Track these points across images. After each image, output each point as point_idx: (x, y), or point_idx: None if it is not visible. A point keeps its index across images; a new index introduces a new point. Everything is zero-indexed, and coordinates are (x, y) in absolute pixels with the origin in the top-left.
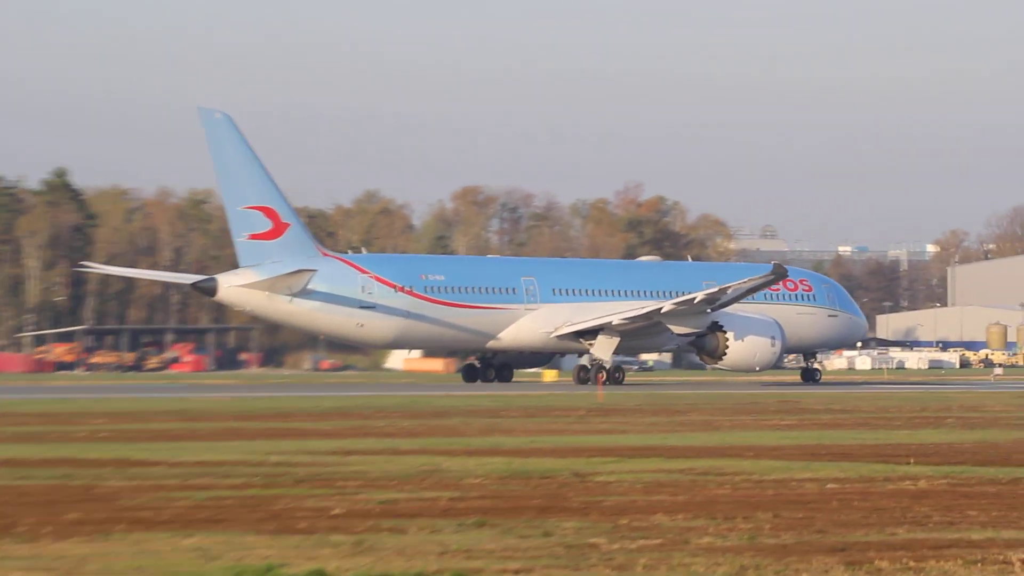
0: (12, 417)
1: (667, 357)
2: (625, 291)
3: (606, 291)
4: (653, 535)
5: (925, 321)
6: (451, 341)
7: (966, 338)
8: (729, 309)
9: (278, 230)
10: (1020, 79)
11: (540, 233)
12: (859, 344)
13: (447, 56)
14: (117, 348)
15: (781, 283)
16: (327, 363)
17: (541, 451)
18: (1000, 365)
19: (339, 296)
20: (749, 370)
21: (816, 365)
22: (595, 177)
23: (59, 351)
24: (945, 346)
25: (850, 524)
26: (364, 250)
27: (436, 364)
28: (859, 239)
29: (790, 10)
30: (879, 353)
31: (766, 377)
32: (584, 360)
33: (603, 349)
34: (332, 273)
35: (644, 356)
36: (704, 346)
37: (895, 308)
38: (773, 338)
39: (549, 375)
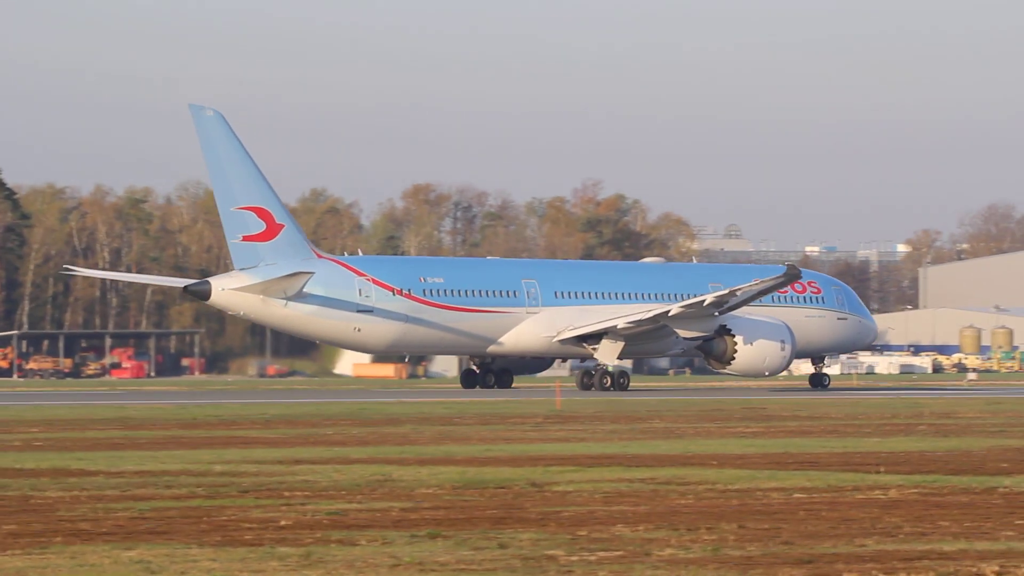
0: None
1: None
2: (629, 294)
3: (609, 294)
4: (613, 547)
5: (896, 324)
6: (451, 346)
7: (938, 342)
8: (737, 312)
9: (272, 231)
10: (992, 76)
11: (495, 233)
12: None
13: (395, 48)
14: (54, 353)
15: (788, 285)
16: (273, 369)
17: (497, 460)
18: (974, 370)
19: (336, 300)
20: (758, 375)
21: (825, 370)
22: (552, 175)
23: None
24: (917, 350)
25: (818, 535)
26: (360, 252)
27: (387, 370)
28: (827, 239)
29: (755, 7)
30: (848, 357)
31: (776, 382)
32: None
33: (607, 353)
34: (328, 276)
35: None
36: (712, 350)
37: None
38: (783, 342)
39: None
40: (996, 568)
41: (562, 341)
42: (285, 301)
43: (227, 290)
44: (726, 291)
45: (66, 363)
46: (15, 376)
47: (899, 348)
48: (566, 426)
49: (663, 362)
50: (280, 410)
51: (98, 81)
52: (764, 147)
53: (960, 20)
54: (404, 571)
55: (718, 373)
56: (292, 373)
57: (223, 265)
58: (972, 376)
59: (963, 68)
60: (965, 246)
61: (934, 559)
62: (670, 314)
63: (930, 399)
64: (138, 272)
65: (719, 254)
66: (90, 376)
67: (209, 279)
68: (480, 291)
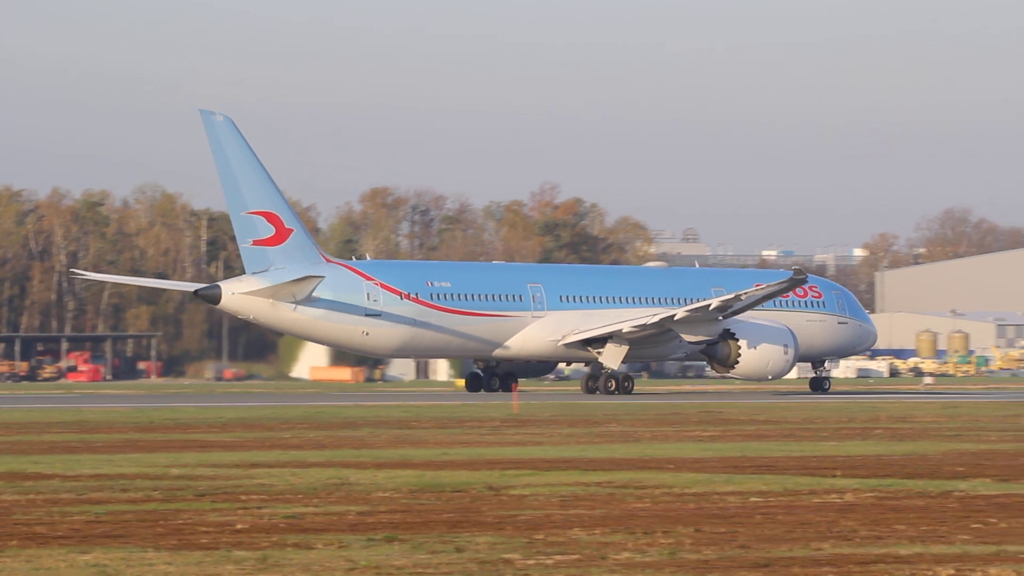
0: None
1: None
2: (633, 298)
3: (614, 298)
4: (570, 550)
5: None
6: (457, 349)
7: (895, 346)
8: (741, 316)
9: (281, 236)
10: (948, 81)
11: (452, 237)
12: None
13: (352, 50)
14: (10, 357)
15: (792, 289)
16: (230, 372)
17: (453, 463)
18: (930, 374)
19: (344, 304)
20: (762, 379)
21: (825, 373)
22: (509, 178)
23: None
24: (873, 354)
25: (774, 539)
26: (368, 256)
27: (344, 373)
28: (784, 242)
29: (713, 10)
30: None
31: (777, 386)
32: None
33: (612, 357)
34: (336, 280)
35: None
36: (716, 354)
37: None
38: (786, 346)
39: (461, 384)
40: (952, 571)
41: (567, 345)
42: (294, 305)
43: (237, 294)
44: (731, 295)
45: (22, 366)
46: None
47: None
48: (523, 429)
49: (670, 366)
50: (237, 413)
51: (54, 80)
52: (722, 151)
53: (917, 24)
54: (360, 575)
55: (723, 377)
56: (249, 377)
57: (179, 268)
58: (928, 380)
59: (920, 73)
60: (922, 250)
61: (890, 563)
62: (675, 318)
63: (887, 403)
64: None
65: (676, 258)
66: (46, 379)
67: (219, 283)
68: (486, 295)
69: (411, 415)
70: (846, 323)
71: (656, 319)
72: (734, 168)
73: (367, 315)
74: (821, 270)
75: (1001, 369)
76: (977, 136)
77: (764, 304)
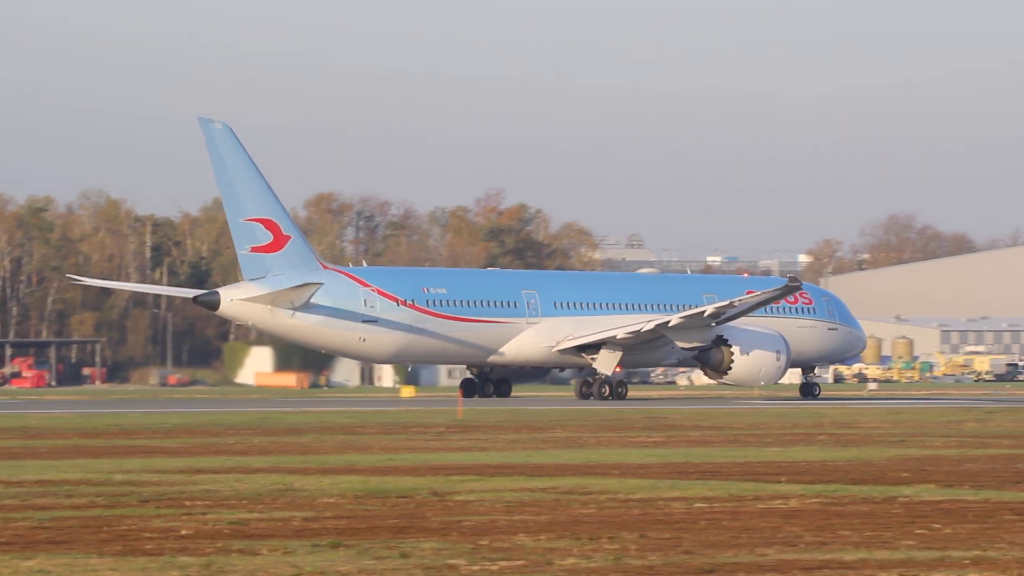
0: None
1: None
2: (626, 304)
3: (607, 304)
4: (515, 556)
5: None
6: (453, 355)
7: None
8: (733, 323)
9: (279, 242)
10: (892, 86)
11: (397, 243)
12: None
13: (296, 55)
14: None
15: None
16: (175, 378)
17: (398, 469)
18: (874, 380)
19: (341, 310)
20: (754, 385)
21: (815, 379)
22: (454, 184)
23: None
24: None
25: (719, 544)
26: (364, 263)
27: (289, 379)
28: (729, 249)
29: (660, 17)
30: None
31: (769, 392)
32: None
33: (606, 363)
34: (334, 287)
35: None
36: (708, 360)
37: None
38: (779, 352)
39: (406, 391)
40: None
41: (561, 351)
42: (292, 311)
43: (235, 300)
44: (726, 302)
45: None
46: None
47: None
48: (468, 435)
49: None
50: (181, 419)
51: None
52: (666, 157)
53: (861, 29)
54: None
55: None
56: (193, 382)
57: (124, 274)
58: (872, 386)
59: (861, 78)
60: (866, 256)
61: (835, 568)
62: (669, 324)
63: (831, 409)
64: (39, 282)
65: (621, 264)
66: None
67: (218, 289)
68: (481, 302)
69: (356, 421)
70: (836, 329)
71: (651, 325)
72: (679, 174)
73: (364, 321)
74: (765, 275)
75: (945, 375)
76: (921, 143)
77: (756, 310)
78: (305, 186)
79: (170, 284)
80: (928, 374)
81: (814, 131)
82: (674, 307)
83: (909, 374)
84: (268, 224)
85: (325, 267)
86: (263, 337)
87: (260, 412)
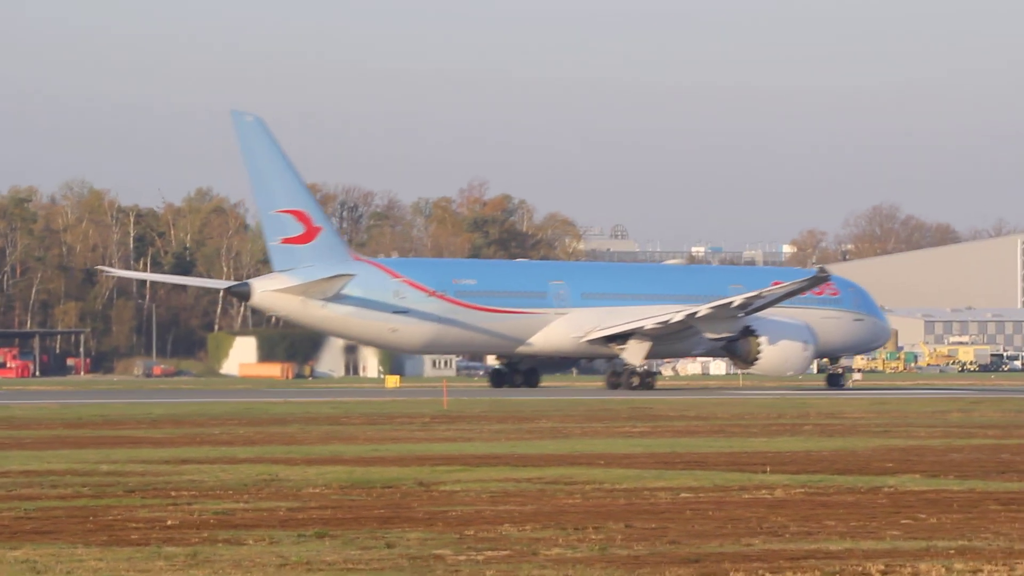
0: None
1: None
2: (654, 295)
3: (635, 295)
4: (500, 546)
5: None
6: (482, 345)
7: None
8: (761, 313)
9: (310, 234)
10: (875, 79)
11: (381, 233)
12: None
13: (281, 48)
14: None
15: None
16: (159, 368)
17: (384, 460)
18: (859, 370)
19: (372, 301)
20: (781, 375)
21: (841, 370)
22: (438, 175)
23: None
24: None
25: (704, 534)
26: (395, 254)
27: (274, 370)
28: (713, 239)
29: (647, 12)
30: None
31: (795, 381)
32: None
33: (634, 353)
34: (365, 278)
35: (486, 361)
36: (736, 351)
37: None
38: (806, 343)
39: (391, 381)
40: (881, 567)
41: (590, 341)
42: (323, 302)
43: (267, 291)
44: (754, 293)
45: None
46: None
47: None
48: (453, 426)
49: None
50: (166, 410)
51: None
52: (649, 148)
53: (847, 26)
54: (291, 571)
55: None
56: (178, 373)
57: (107, 264)
58: (857, 377)
59: (846, 70)
60: (850, 247)
61: (820, 558)
62: (698, 315)
63: (816, 399)
64: (23, 272)
65: (605, 254)
66: None
67: (250, 281)
68: (511, 292)
69: (341, 411)
70: (862, 320)
71: (680, 316)
72: (663, 165)
73: (395, 312)
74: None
75: (929, 365)
76: (906, 134)
77: (783, 301)
78: None
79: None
80: (913, 364)
81: (799, 123)
82: (701, 298)
83: (894, 364)
84: (299, 216)
85: (356, 258)
86: (247, 328)
87: (245, 402)
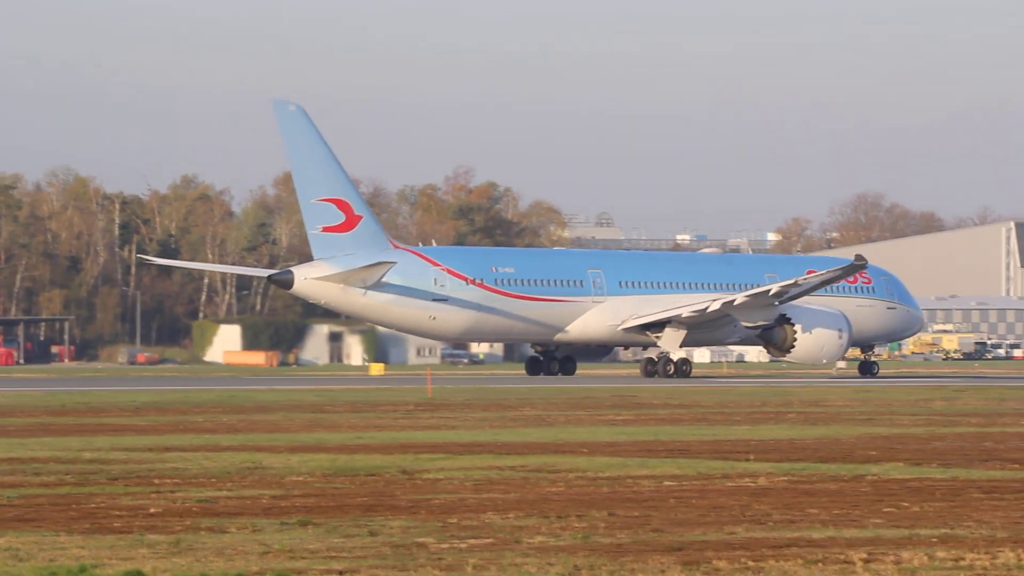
0: None
1: (499, 348)
2: (689, 284)
3: (671, 284)
4: (483, 534)
5: None
6: (520, 333)
7: None
8: (796, 302)
9: (351, 222)
10: (859, 67)
11: None
12: None
13: (262, 35)
14: None
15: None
16: (143, 356)
17: (367, 447)
18: (843, 359)
19: (412, 289)
20: (816, 363)
21: (874, 358)
22: (423, 162)
23: None
24: None
25: (687, 523)
26: (434, 242)
27: (258, 357)
28: (698, 227)
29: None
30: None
31: (828, 370)
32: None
33: (671, 342)
34: (405, 266)
35: (471, 348)
36: (772, 339)
37: None
38: (840, 331)
39: (375, 369)
40: (864, 555)
41: (626, 329)
42: (364, 290)
43: (309, 279)
44: (790, 281)
45: None
46: None
47: None
48: (437, 414)
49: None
50: (150, 397)
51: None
52: (636, 135)
53: (830, 12)
54: (274, 558)
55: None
56: (162, 360)
57: (92, 252)
58: (841, 365)
59: (831, 58)
60: (835, 235)
61: (803, 546)
62: (735, 303)
63: (799, 387)
64: (7, 259)
65: (590, 242)
66: None
67: (292, 268)
68: (548, 281)
69: (325, 399)
70: (895, 308)
71: (717, 304)
72: (649, 152)
73: (434, 300)
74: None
75: (913, 353)
76: (891, 122)
77: (817, 290)
78: (274, 164)
79: (139, 262)
80: (897, 353)
81: (783, 111)
82: (736, 286)
83: (877, 353)
84: (340, 204)
85: (395, 246)
86: (232, 315)
87: (229, 390)
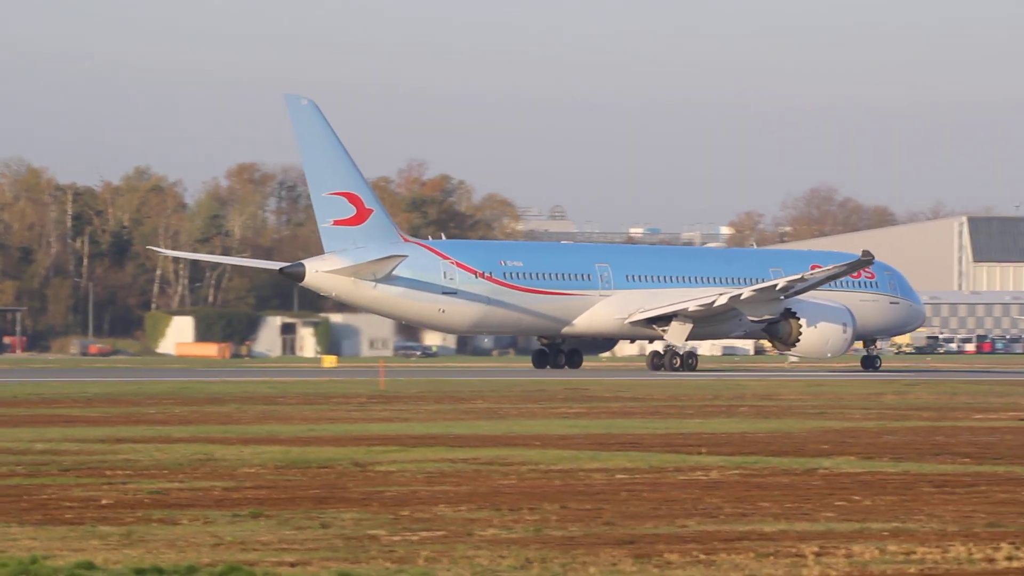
0: None
1: (451, 341)
2: (695, 277)
3: (678, 277)
4: (435, 527)
5: None
6: (528, 326)
7: None
8: (801, 296)
9: (361, 216)
10: (813, 60)
11: None
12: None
13: (216, 25)
14: None
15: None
16: (96, 347)
17: (320, 440)
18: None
19: (422, 282)
20: (821, 357)
21: (876, 352)
22: (376, 155)
23: None
24: None
25: (639, 516)
26: (443, 236)
27: (210, 349)
28: (651, 220)
29: None
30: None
31: (831, 364)
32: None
33: (677, 335)
34: (415, 259)
35: (423, 341)
36: (777, 333)
37: None
38: (845, 325)
39: (328, 361)
40: (816, 548)
41: (633, 323)
42: (374, 283)
43: (320, 272)
44: (797, 276)
45: None
46: None
47: None
48: (390, 406)
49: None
50: (102, 388)
51: None
52: (588, 128)
53: (789, 5)
54: (226, 550)
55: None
56: (115, 352)
57: (44, 243)
58: (793, 359)
59: (785, 52)
60: (788, 228)
61: (755, 540)
62: (741, 297)
63: (751, 381)
64: None
65: (543, 235)
66: None
67: (303, 261)
68: (556, 274)
69: (278, 391)
70: (898, 303)
71: (724, 299)
72: (601, 146)
73: (444, 293)
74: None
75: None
76: (843, 115)
77: (822, 285)
78: (227, 156)
79: (91, 253)
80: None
81: (736, 104)
82: (741, 281)
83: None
84: (351, 198)
85: (406, 240)
86: (184, 307)
87: (181, 382)
